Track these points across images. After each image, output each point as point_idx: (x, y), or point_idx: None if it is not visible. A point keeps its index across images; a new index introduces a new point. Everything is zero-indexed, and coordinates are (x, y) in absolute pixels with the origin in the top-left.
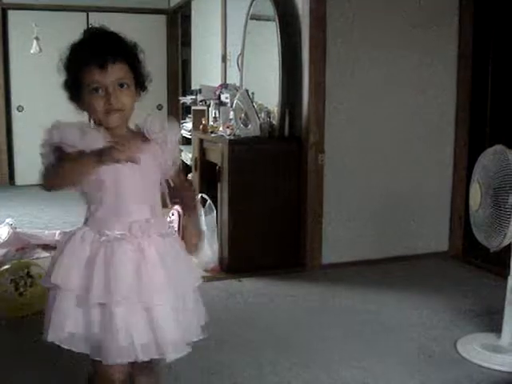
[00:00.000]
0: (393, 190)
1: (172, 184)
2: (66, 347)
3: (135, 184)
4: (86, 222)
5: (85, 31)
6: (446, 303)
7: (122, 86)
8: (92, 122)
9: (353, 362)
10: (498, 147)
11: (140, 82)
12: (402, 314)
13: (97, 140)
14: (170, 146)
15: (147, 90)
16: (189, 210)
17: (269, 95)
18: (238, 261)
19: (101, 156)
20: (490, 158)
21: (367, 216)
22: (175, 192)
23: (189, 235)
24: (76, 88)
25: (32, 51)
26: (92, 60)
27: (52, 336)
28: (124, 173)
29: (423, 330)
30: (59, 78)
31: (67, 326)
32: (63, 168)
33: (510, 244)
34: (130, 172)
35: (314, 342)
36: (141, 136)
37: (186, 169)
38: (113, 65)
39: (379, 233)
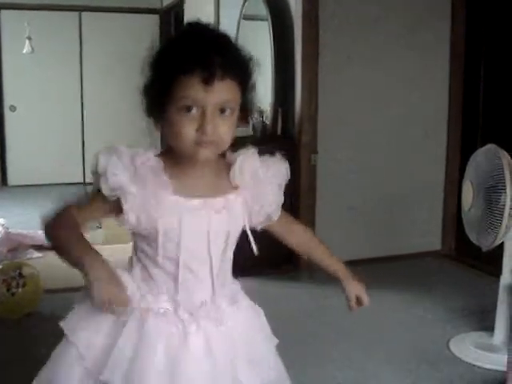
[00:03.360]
0: (386, 189)
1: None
2: None
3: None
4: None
5: (187, 25)
6: (439, 302)
7: (223, 111)
8: (163, 146)
9: (346, 362)
10: (490, 147)
11: (245, 109)
12: (395, 313)
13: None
14: (265, 192)
15: (250, 120)
16: (333, 266)
17: (262, 95)
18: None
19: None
20: (482, 157)
21: (360, 215)
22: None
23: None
24: (160, 98)
25: (24, 51)
26: (195, 68)
27: None
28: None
29: (416, 329)
30: (52, 77)
31: None
32: (61, 246)
33: (502, 243)
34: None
35: (308, 342)
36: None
37: None
38: (221, 81)
39: (372, 232)
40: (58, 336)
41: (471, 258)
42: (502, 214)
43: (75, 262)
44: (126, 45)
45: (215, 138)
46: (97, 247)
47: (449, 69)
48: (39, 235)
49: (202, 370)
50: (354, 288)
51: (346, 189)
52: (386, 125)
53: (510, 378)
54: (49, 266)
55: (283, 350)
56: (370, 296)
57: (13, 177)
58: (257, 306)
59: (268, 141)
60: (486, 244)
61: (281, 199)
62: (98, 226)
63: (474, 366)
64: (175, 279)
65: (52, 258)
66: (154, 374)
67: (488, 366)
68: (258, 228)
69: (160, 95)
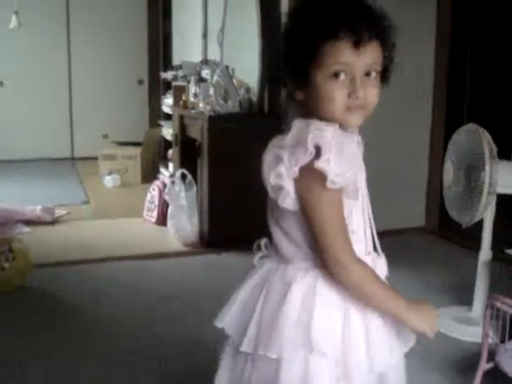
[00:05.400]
0: (370, 165)
1: None
2: None
3: None
4: None
5: None
6: (420, 277)
7: (368, 74)
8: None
9: None
10: (471, 126)
11: (386, 71)
12: None
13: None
14: None
15: (388, 83)
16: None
17: (249, 72)
18: (218, 235)
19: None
20: (463, 136)
21: None
22: None
23: None
24: (305, 66)
25: (11, 26)
26: (344, 31)
27: None
28: None
29: None
30: (39, 52)
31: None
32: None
33: (481, 220)
34: None
35: None
36: None
37: (166, 144)
38: (368, 44)
39: None
40: (47, 309)
41: (454, 234)
42: (481, 192)
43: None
44: (114, 16)
45: (366, 102)
46: (88, 222)
47: (434, 49)
48: (28, 210)
49: None
50: None
51: None
52: None
53: (485, 348)
54: (38, 240)
55: None
56: None
57: (0, 152)
58: None
59: (254, 118)
60: (465, 221)
61: None
62: (85, 202)
63: (452, 338)
64: None
65: (41, 232)
66: None
67: (465, 339)
68: None
69: (306, 62)
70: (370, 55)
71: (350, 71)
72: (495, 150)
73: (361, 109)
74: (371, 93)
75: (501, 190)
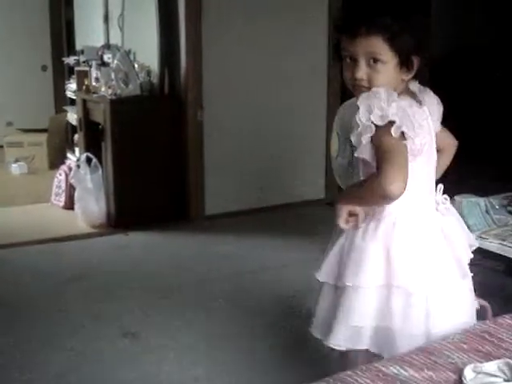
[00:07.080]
0: (271, 141)
1: None
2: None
3: None
4: None
5: None
6: (319, 246)
7: (376, 61)
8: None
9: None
10: (354, 100)
11: (403, 59)
12: (277, 256)
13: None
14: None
15: (413, 69)
16: None
17: (150, 55)
18: (125, 216)
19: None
20: (346, 109)
21: (248, 167)
22: None
23: None
24: (338, 50)
25: None
26: (344, 28)
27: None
28: None
29: (297, 270)
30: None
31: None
32: None
33: None
34: None
35: (194, 286)
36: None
37: (72, 129)
38: (364, 37)
39: (260, 183)
40: None
41: None
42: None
43: None
44: (15, 2)
45: (364, 83)
46: None
47: (327, 28)
48: None
49: None
50: None
51: (233, 142)
52: (269, 80)
53: None
54: None
55: (171, 295)
56: (255, 242)
57: None
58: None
59: (155, 100)
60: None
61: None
62: None
63: None
64: None
65: None
66: None
67: None
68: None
69: (338, 47)
70: (365, 46)
71: (352, 55)
72: None
73: (363, 88)
74: (374, 76)
75: None
